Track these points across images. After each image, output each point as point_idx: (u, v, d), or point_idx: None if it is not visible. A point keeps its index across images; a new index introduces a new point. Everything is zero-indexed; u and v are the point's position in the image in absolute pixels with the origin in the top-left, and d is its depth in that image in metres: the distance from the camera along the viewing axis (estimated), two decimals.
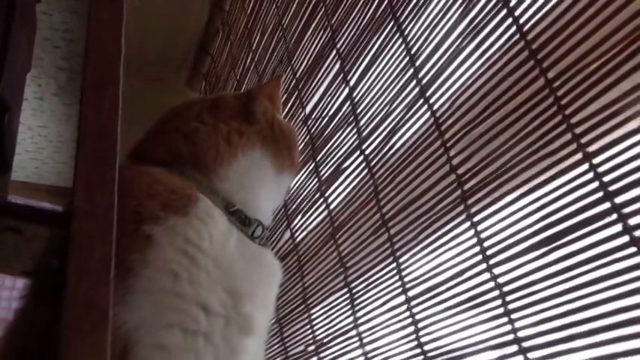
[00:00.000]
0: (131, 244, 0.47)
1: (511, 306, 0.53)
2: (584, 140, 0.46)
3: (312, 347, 0.89)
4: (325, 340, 0.85)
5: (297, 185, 0.97)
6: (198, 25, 1.39)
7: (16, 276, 0.44)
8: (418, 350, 0.64)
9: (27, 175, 1.89)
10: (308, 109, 0.94)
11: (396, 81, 0.72)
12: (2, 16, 0.59)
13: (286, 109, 1.01)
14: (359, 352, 0.77)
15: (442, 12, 0.64)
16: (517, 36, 0.53)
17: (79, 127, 0.40)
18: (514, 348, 0.52)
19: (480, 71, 0.59)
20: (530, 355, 0.51)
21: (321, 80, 0.91)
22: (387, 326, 0.71)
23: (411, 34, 0.69)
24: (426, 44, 0.66)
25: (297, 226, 0.96)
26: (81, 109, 0.41)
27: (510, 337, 0.52)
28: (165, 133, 0.61)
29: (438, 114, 0.64)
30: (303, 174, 0.95)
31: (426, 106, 0.66)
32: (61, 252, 0.37)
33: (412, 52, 0.69)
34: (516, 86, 0.53)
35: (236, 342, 0.51)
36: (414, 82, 0.68)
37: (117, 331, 0.44)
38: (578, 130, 0.47)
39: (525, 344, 0.51)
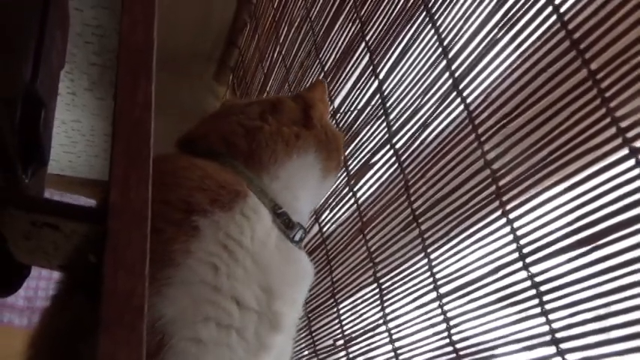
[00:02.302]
0: (177, 232, 0.48)
1: (548, 306, 0.51)
2: (630, 135, 0.44)
3: (340, 342, 0.89)
4: (354, 335, 0.85)
5: None
6: (226, 18, 1.40)
7: (53, 270, 0.45)
8: (450, 348, 0.63)
9: (61, 168, 1.95)
10: (336, 102, 0.94)
11: (428, 73, 0.70)
12: (38, 12, 0.60)
13: None
14: (388, 347, 0.76)
15: (477, 1, 0.62)
16: (558, 25, 0.51)
17: (113, 123, 0.41)
18: (552, 349, 0.50)
19: (517, 63, 0.57)
20: (568, 356, 0.49)
21: (349, 73, 0.90)
22: (418, 322, 0.70)
23: (444, 25, 0.67)
24: (459, 35, 0.64)
25: (325, 220, 0.96)
26: (115, 105, 0.41)
27: (548, 337, 0.51)
28: (226, 126, 0.61)
29: (471, 107, 0.62)
30: None
31: (459, 99, 0.64)
32: (97, 247, 0.37)
33: (445, 43, 0.67)
34: (556, 78, 0.51)
35: (266, 337, 0.51)
36: (447, 74, 0.66)
37: (154, 324, 0.44)
38: (623, 124, 0.44)
39: (563, 345, 0.50)
